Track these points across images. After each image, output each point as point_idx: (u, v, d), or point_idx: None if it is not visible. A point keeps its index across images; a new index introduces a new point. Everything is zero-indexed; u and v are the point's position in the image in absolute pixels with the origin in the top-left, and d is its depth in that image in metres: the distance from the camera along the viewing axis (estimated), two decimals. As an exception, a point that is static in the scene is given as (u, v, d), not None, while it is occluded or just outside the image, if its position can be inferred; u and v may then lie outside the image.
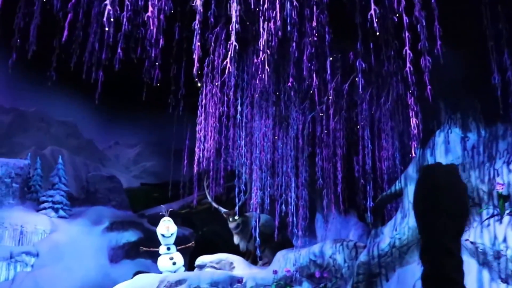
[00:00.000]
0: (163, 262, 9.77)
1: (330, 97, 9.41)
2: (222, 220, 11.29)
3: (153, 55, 6.47)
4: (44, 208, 16.95)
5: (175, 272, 9.44)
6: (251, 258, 10.75)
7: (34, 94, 24.08)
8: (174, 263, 9.74)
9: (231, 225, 10.81)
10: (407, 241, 6.13)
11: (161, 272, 9.50)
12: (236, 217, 10.90)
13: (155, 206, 16.88)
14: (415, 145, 7.50)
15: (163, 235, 10.04)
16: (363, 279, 6.29)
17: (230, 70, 8.53)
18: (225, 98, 9.74)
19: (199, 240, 19.67)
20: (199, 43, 5.76)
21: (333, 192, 10.01)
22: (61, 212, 17.18)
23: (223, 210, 10.91)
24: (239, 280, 8.12)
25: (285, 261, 8.89)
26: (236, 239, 11.17)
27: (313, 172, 10.24)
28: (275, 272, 8.46)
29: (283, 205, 9.23)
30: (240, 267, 9.29)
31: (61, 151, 23.48)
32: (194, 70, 6.05)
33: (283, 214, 9.28)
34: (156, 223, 10.53)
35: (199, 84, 5.89)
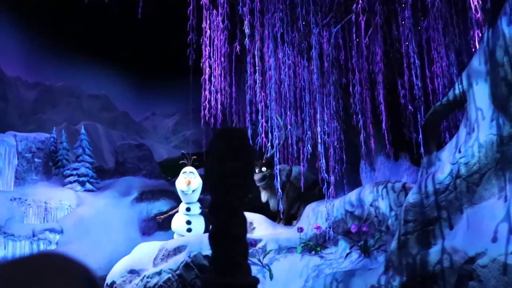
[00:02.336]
0: (176, 223, 7.96)
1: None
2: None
3: None
4: (70, 182, 15.87)
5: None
6: (284, 218, 8.95)
7: (60, 68, 23.13)
8: (189, 230, 7.94)
9: (256, 177, 8.95)
10: (478, 166, 3.97)
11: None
12: (264, 169, 9.06)
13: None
14: (479, 34, 5.23)
15: (182, 192, 8.17)
16: (414, 228, 4.20)
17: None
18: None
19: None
20: None
21: (374, 126, 7.93)
22: (88, 185, 16.04)
23: (247, 158, 9.02)
24: (252, 243, 6.24)
25: (315, 216, 6.93)
26: (263, 196, 9.39)
27: (348, 106, 8.15)
28: (300, 229, 6.51)
29: (309, 145, 7.22)
30: (261, 227, 7.44)
31: (95, 126, 22.44)
32: None
33: (309, 156, 7.29)
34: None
35: None
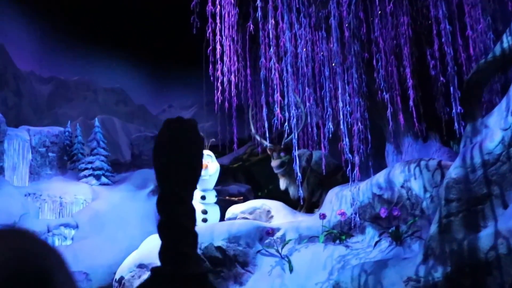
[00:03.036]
0: None
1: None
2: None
3: None
4: (85, 176, 15.54)
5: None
6: (305, 206, 8.32)
7: (74, 62, 22.85)
8: (204, 220, 7.33)
9: (274, 163, 8.34)
10: (537, 130, 3.25)
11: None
12: (282, 154, 8.43)
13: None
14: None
15: None
16: (458, 208, 3.50)
17: None
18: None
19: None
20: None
21: (401, 103, 7.22)
22: (104, 179, 15.70)
23: (265, 143, 8.43)
24: (269, 232, 5.61)
25: (339, 201, 6.26)
26: (282, 183, 8.77)
27: (371, 82, 7.43)
28: (322, 216, 5.85)
29: (330, 124, 6.54)
30: (279, 215, 6.82)
31: (112, 119, 22.14)
32: None
33: (330, 136, 6.62)
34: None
35: None
